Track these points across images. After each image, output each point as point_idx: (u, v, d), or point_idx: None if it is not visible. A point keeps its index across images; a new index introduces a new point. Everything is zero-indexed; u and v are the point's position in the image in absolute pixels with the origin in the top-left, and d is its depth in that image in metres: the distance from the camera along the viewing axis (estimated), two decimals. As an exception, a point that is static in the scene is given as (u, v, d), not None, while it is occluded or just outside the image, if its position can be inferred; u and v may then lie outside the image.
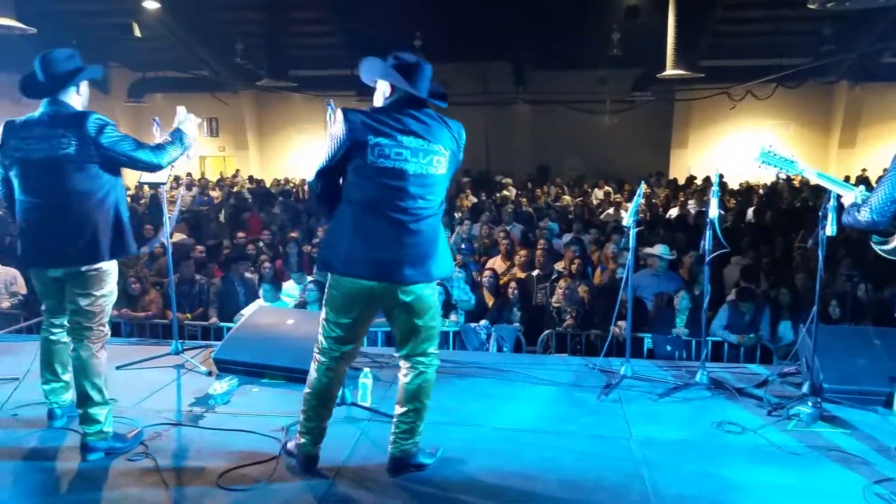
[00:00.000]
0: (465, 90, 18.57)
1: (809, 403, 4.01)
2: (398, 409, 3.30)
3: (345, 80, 17.26)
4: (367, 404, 4.09)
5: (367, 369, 4.32)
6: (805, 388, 4.25)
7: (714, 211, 4.25)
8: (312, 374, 3.27)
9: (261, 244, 9.85)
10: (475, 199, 14.43)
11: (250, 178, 19.30)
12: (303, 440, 3.34)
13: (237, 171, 21.44)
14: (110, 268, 3.57)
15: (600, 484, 3.27)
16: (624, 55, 14.84)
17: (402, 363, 3.30)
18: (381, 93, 3.15)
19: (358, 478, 3.33)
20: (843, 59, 15.12)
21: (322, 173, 3.16)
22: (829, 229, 3.81)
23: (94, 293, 3.51)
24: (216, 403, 4.22)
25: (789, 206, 13.11)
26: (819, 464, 3.50)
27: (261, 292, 7.13)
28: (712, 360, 5.94)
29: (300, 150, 21.87)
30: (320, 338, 3.26)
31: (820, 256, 4.06)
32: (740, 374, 4.78)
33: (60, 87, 3.47)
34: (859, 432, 3.84)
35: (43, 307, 3.76)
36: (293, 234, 10.25)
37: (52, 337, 3.76)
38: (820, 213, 3.86)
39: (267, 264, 8.25)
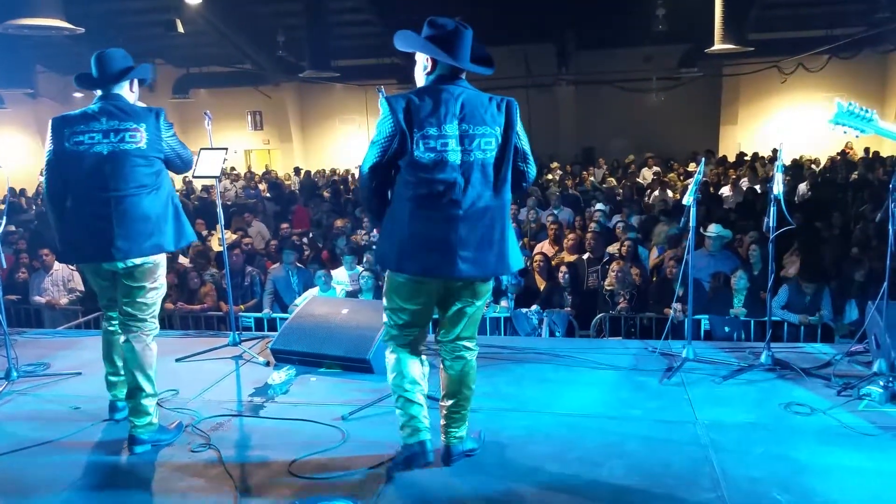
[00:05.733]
0: (507, 73, 18.40)
1: (881, 383, 3.86)
2: (446, 402, 3.24)
3: (386, 68, 17.28)
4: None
5: (423, 357, 4.28)
6: (875, 368, 4.08)
7: (779, 187, 4.12)
8: (391, 371, 3.20)
9: (311, 235, 9.94)
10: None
11: (296, 170, 19.43)
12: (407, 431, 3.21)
13: (265, 166, 21.77)
14: (162, 260, 3.61)
15: (668, 469, 3.19)
16: (669, 31, 14.45)
17: (444, 351, 3.23)
18: (422, 67, 3.01)
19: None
20: (899, 26, 14.49)
21: (375, 169, 3.00)
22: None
23: (148, 285, 3.54)
24: (275, 393, 4.25)
25: (843, 180, 12.70)
26: (894, 445, 3.37)
27: (315, 282, 7.19)
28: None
29: (344, 140, 22.04)
30: (388, 330, 3.21)
31: (890, 231, 3.89)
32: (805, 355, 4.64)
33: (115, 82, 3.55)
34: (936, 412, 3.69)
35: (101, 302, 3.80)
36: (339, 223, 10.30)
37: (111, 328, 3.77)
38: (890, 186, 3.71)
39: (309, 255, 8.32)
